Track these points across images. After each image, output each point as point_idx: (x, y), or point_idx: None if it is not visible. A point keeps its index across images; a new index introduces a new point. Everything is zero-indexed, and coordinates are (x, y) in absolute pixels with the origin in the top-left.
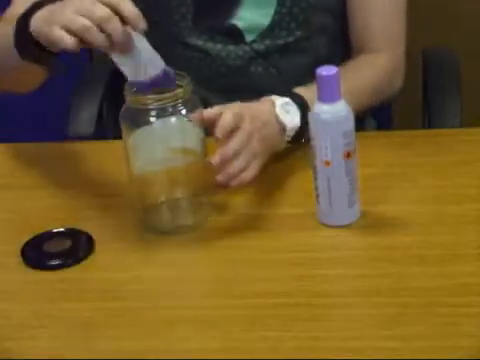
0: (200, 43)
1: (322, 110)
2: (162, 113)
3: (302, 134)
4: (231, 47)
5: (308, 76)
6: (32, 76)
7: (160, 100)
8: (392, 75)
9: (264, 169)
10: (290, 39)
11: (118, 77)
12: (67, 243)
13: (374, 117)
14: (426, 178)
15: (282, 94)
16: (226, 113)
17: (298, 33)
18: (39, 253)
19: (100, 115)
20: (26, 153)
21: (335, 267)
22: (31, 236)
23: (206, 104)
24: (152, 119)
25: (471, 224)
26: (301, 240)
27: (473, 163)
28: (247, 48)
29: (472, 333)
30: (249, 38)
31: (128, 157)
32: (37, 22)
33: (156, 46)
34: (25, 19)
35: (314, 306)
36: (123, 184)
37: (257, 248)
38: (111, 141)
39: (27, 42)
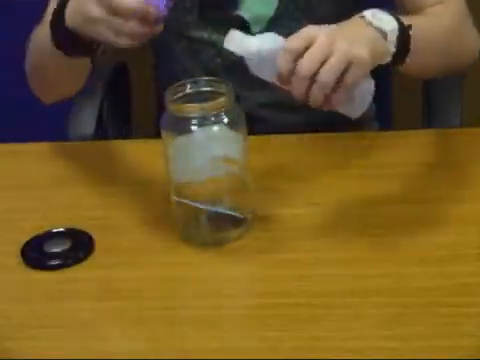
0: (206, 36)
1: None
2: (204, 122)
3: (407, 42)
4: None
5: None
6: (75, 73)
7: (202, 109)
8: (461, 26)
9: (262, 165)
10: (296, 28)
11: (118, 77)
12: (67, 243)
13: (377, 119)
14: (426, 178)
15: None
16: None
17: (303, 22)
18: (39, 253)
19: (100, 115)
20: (26, 153)
21: (335, 267)
22: (31, 236)
23: None
24: (193, 128)
25: (471, 224)
26: (300, 240)
27: (473, 163)
28: None
29: (472, 333)
30: (255, 29)
31: (168, 166)
32: (69, 17)
33: (162, 41)
34: (60, 14)
35: (314, 306)
36: (123, 184)
37: (256, 248)
38: (111, 141)
39: (66, 37)
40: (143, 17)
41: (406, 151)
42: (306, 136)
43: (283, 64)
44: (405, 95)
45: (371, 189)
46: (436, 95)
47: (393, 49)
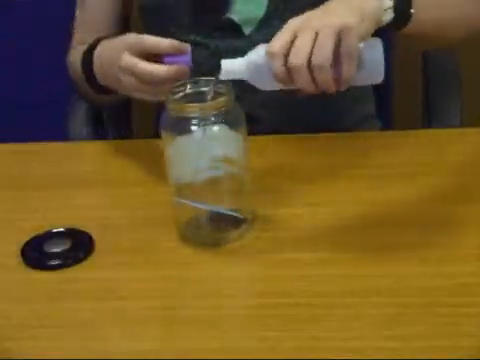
0: (199, 39)
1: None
2: (204, 122)
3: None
4: (230, 41)
5: None
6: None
7: (202, 109)
8: None
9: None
10: None
11: None
12: (67, 243)
13: (379, 118)
14: (426, 178)
15: None
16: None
17: None
18: (39, 253)
19: (100, 115)
20: (26, 153)
21: (335, 267)
22: (31, 236)
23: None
24: (193, 128)
25: (471, 224)
26: (300, 240)
27: (473, 163)
28: (246, 41)
29: (472, 333)
30: (247, 30)
31: (168, 166)
32: (99, 75)
33: None
34: (89, 65)
35: (314, 306)
36: (123, 184)
37: (256, 248)
38: (111, 141)
39: (95, 84)
40: (172, 79)
41: (406, 151)
42: (306, 136)
43: (275, 65)
44: (405, 95)
45: (371, 189)
46: (436, 95)
47: (389, 2)
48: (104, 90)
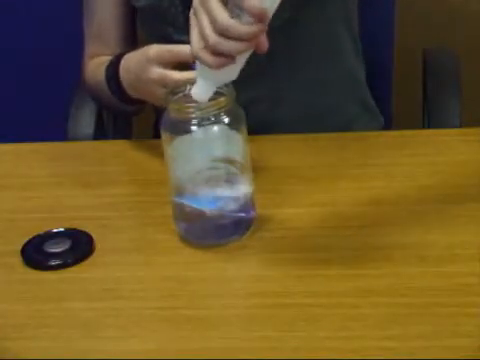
0: None
1: None
2: (204, 122)
3: None
4: None
5: (307, 57)
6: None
7: (202, 109)
8: None
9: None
10: (281, 22)
11: None
12: (67, 243)
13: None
14: (426, 178)
15: None
16: None
17: (290, 14)
18: (39, 253)
19: (100, 115)
20: (26, 153)
21: (335, 267)
22: (31, 236)
23: None
24: (193, 128)
25: (471, 224)
26: (300, 240)
27: (473, 163)
28: None
29: (472, 333)
30: None
31: (168, 166)
32: (130, 90)
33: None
34: (114, 79)
35: (314, 306)
36: (123, 184)
37: (256, 248)
38: (111, 141)
39: (125, 97)
40: None
41: (406, 151)
42: (306, 136)
43: (205, 60)
44: (405, 95)
45: (371, 189)
46: (436, 95)
47: None
48: (132, 101)
